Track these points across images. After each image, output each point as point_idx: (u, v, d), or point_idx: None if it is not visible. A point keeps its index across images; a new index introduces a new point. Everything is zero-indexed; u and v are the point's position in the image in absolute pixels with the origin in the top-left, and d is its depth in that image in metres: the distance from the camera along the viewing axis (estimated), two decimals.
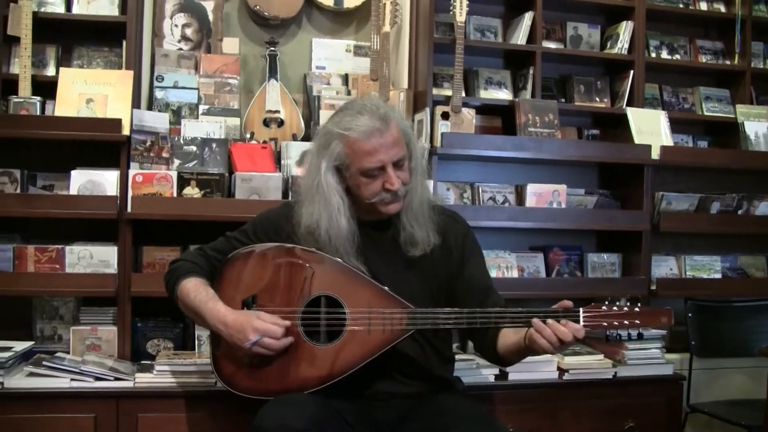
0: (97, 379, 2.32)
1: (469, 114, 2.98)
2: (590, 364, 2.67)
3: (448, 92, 3.05)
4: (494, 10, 3.33)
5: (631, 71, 3.27)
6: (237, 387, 1.93)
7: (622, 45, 3.29)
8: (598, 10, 3.38)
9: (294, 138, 2.97)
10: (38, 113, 2.69)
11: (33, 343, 2.53)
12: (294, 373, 1.87)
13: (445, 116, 2.94)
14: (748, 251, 3.40)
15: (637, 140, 3.12)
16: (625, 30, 3.29)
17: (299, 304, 1.90)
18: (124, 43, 2.77)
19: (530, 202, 2.96)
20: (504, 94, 3.26)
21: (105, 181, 2.57)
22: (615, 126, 3.30)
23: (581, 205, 3.10)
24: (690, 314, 3.05)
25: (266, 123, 2.99)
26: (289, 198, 2.60)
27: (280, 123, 3.00)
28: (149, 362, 2.47)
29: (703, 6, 3.51)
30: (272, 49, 3.06)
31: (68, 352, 2.52)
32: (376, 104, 1.91)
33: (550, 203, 2.97)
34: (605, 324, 1.79)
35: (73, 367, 2.32)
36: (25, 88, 2.69)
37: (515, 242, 3.10)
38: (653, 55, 3.44)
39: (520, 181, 3.05)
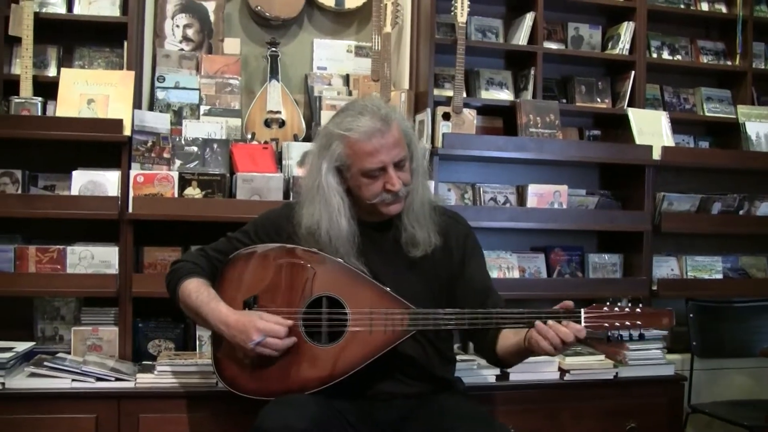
0: (98, 379, 2.33)
1: (470, 114, 2.98)
2: (591, 365, 2.67)
3: (450, 93, 3.05)
4: (495, 10, 3.32)
5: (632, 72, 3.27)
6: (238, 387, 1.93)
7: (623, 45, 3.29)
8: (599, 10, 3.38)
9: (295, 138, 2.97)
10: (39, 114, 2.69)
11: (34, 343, 2.53)
12: (295, 373, 1.87)
13: (446, 117, 2.94)
14: (749, 252, 3.40)
15: (638, 141, 3.11)
16: (626, 30, 3.29)
17: (301, 304, 1.90)
18: (126, 43, 2.77)
19: (531, 202, 2.96)
20: (505, 95, 3.26)
21: (106, 181, 2.58)
22: (616, 126, 3.30)
23: (582, 206, 3.10)
24: (691, 315, 3.04)
25: (267, 123, 2.99)
26: (290, 198, 2.60)
27: (281, 123, 3.00)
28: (150, 363, 2.48)
29: (705, 6, 3.51)
30: (273, 49, 3.06)
31: (69, 353, 2.52)
32: (377, 105, 1.91)
33: (551, 204, 2.97)
34: (607, 325, 1.79)
35: (74, 368, 2.33)
36: (26, 88, 2.69)
37: (516, 243, 3.10)
38: (654, 55, 3.44)
39: (522, 181, 3.05)
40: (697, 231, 3.21)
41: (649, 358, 2.71)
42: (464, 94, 3.03)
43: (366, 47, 3.24)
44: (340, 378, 1.85)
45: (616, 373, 2.68)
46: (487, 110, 3.21)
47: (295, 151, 2.76)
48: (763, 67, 3.55)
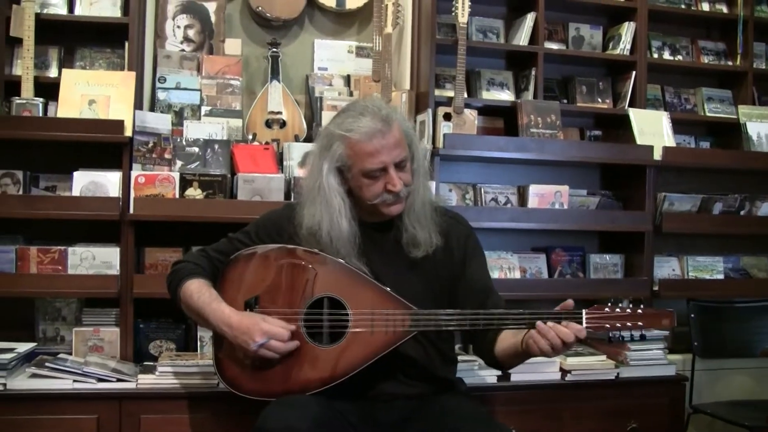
0: (100, 380, 2.33)
1: (471, 115, 2.98)
2: (593, 365, 2.67)
3: (450, 93, 3.05)
4: (496, 11, 3.32)
5: (633, 72, 3.27)
6: (240, 388, 1.93)
7: (624, 46, 3.29)
8: (600, 10, 3.38)
9: (296, 139, 2.97)
10: (41, 114, 2.70)
11: (35, 344, 2.53)
12: (297, 374, 1.87)
13: (447, 117, 2.94)
14: (750, 252, 3.39)
15: (639, 141, 3.11)
16: (627, 31, 3.29)
17: (302, 305, 1.90)
18: (127, 44, 2.77)
19: (532, 203, 2.96)
20: (506, 95, 3.26)
21: (107, 182, 2.58)
22: (617, 127, 3.30)
23: (583, 206, 3.10)
24: (692, 315, 3.04)
25: (268, 124, 2.99)
26: (291, 199, 2.60)
27: (282, 124, 3.00)
28: (152, 363, 2.48)
29: (705, 7, 3.51)
30: (274, 50, 3.06)
31: (70, 354, 2.51)
32: (378, 105, 1.91)
33: (552, 204, 2.97)
34: (608, 326, 1.80)
35: (75, 369, 2.33)
36: (27, 89, 2.70)
37: (517, 243, 3.10)
38: (655, 55, 3.44)
39: (523, 182, 3.05)
40: (698, 231, 3.21)
41: (651, 358, 2.71)
42: (465, 95, 3.03)
43: (367, 48, 3.24)
44: (342, 379, 1.85)
45: (618, 373, 2.68)
46: (488, 110, 3.21)
47: (296, 151, 2.76)
48: (763, 67, 3.55)
